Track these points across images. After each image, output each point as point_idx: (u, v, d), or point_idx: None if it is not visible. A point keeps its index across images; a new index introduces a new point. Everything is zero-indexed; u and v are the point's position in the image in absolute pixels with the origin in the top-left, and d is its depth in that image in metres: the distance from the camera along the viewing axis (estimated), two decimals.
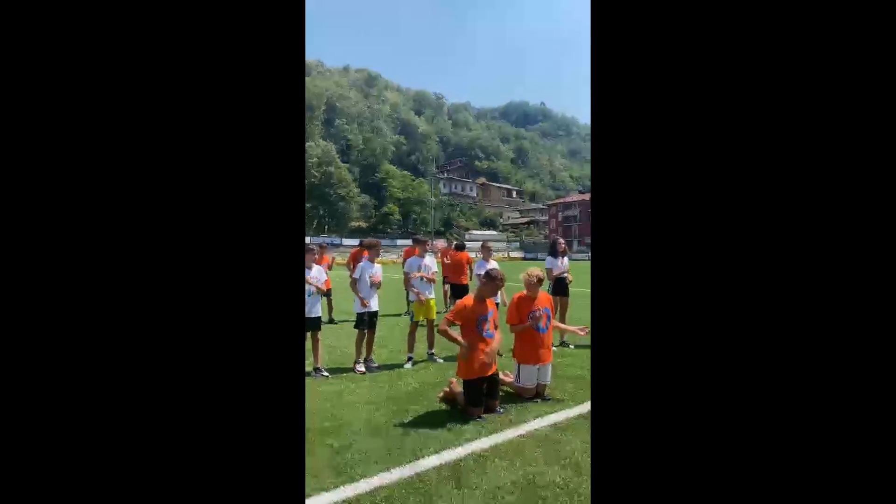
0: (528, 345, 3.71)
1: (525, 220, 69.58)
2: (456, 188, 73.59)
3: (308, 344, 4.37)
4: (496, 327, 3.59)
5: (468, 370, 3.37)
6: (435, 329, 4.71)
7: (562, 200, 66.74)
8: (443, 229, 56.25)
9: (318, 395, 3.87)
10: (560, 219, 61.67)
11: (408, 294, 6.53)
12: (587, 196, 63.83)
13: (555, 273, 5.65)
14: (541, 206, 74.04)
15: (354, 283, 4.72)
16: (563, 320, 5.61)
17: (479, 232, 58.19)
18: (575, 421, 3.20)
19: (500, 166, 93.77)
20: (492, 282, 3.58)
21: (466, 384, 3.38)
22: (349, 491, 2.31)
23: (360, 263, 4.85)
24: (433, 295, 5.07)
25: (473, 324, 3.47)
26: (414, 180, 63.53)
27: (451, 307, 4.89)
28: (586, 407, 3.43)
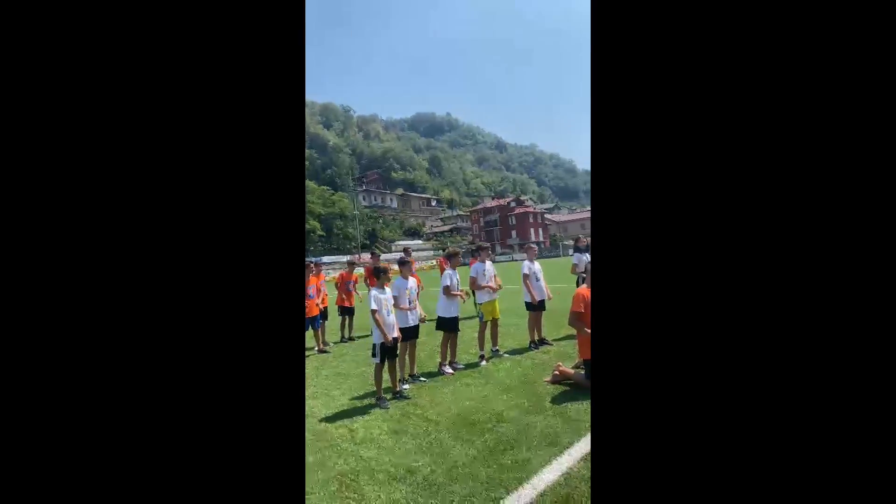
0: None
1: (448, 227, 71.19)
2: (375, 200, 73.09)
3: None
4: None
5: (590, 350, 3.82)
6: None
7: (481, 206, 69.63)
8: (367, 242, 55.54)
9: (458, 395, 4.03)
10: (482, 224, 64.28)
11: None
12: (503, 201, 67.23)
13: (580, 268, 6.31)
14: (461, 213, 76.39)
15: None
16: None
17: (403, 242, 58.31)
18: None
19: (417, 176, 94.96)
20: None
21: (588, 362, 3.83)
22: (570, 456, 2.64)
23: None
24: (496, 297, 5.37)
25: (589, 309, 3.94)
26: (333, 194, 62.00)
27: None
28: None
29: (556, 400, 3.68)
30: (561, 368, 4.14)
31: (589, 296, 4.00)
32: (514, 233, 62.17)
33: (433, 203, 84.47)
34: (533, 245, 5.97)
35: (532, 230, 61.30)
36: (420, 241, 62.19)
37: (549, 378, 4.18)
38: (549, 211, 78.09)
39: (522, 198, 72.35)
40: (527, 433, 3.07)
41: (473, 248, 5.06)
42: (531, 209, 65.05)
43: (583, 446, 2.78)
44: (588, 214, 76.21)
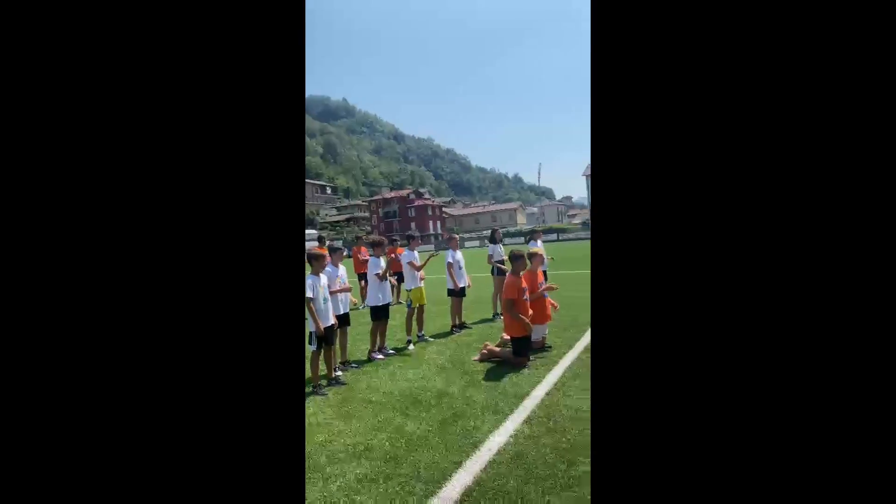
0: (540, 309, 4.77)
1: (344, 217, 69.07)
2: None
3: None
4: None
5: (519, 329, 4.25)
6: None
7: (380, 197, 68.85)
8: None
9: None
10: (381, 215, 63.67)
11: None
12: (403, 193, 67.38)
13: (496, 258, 6.82)
14: (359, 202, 74.64)
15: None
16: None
17: None
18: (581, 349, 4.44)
19: (311, 161, 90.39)
20: (521, 260, 4.52)
21: (515, 340, 4.26)
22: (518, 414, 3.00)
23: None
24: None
25: (521, 295, 4.36)
26: None
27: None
28: (576, 343, 4.72)
29: (488, 376, 4.04)
30: (489, 347, 4.52)
31: (521, 284, 4.44)
32: (413, 225, 62.79)
33: (328, 191, 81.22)
34: (455, 236, 6.32)
35: (430, 223, 62.58)
36: (313, 231, 59.49)
37: (477, 357, 4.53)
38: (447, 205, 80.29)
39: (421, 190, 73.32)
40: (470, 405, 3.36)
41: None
42: (430, 202, 66.28)
43: (522, 413, 3.15)
44: (482, 209, 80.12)
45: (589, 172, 59.89)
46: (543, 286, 4.80)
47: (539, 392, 3.53)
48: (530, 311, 4.48)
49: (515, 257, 4.55)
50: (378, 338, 5.00)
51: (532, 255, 4.86)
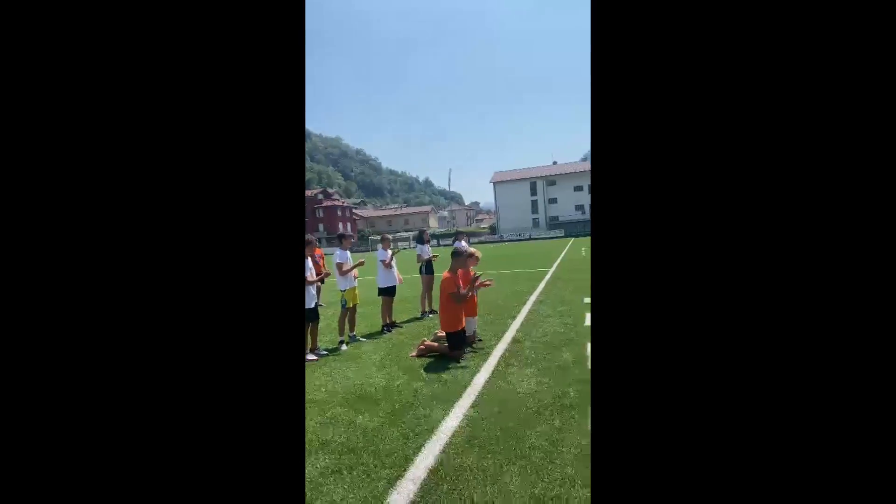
0: (471, 305, 5.05)
1: None
2: None
3: None
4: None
5: (455, 324, 4.46)
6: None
7: None
8: None
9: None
10: None
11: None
12: (310, 193, 64.52)
13: (424, 257, 7.01)
14: None
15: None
16: (429, 293, 7.06)
17: None
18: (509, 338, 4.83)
19: None
20: (461, 257, 4.76)
21: (451, 335, 4.47)
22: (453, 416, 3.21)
23: None
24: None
25: (456, 290, 4.58)
26: None
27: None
28: (503, 334, 5.11)
29: (428, 369, 4.20)
30: (426, 343, 4.69)
31: (458, 280, 4.67)
32: (321, 225, 60.43)
33: None
34: (388, 236, 6.41)
35: (340, 224, 60.81)
36: None
37: (414, 353, 4.67)
38: (357, 206, 78.68)
39: (330, 191, 70.91)
40: (417, 396, 3.49)
41: (340, 233, 5.38)
42: (339, 202, 64.42)
43: (467, 399, 3.37)
44: (394, 212, 79.88)
45: (496, 180, 63.06)
46: (478, 281, 5.10)
47: (479, 380, 3.78)
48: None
49: (457, 254, 4.79)
50: (309, 338, 4.90)
51: (470, 255, 5.15)
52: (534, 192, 61.08)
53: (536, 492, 2.14)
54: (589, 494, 2.06)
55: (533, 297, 8.05)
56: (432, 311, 6.92)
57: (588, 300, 7.30)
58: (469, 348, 4.73)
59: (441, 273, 5.01)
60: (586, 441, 2.55)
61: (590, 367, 3.90)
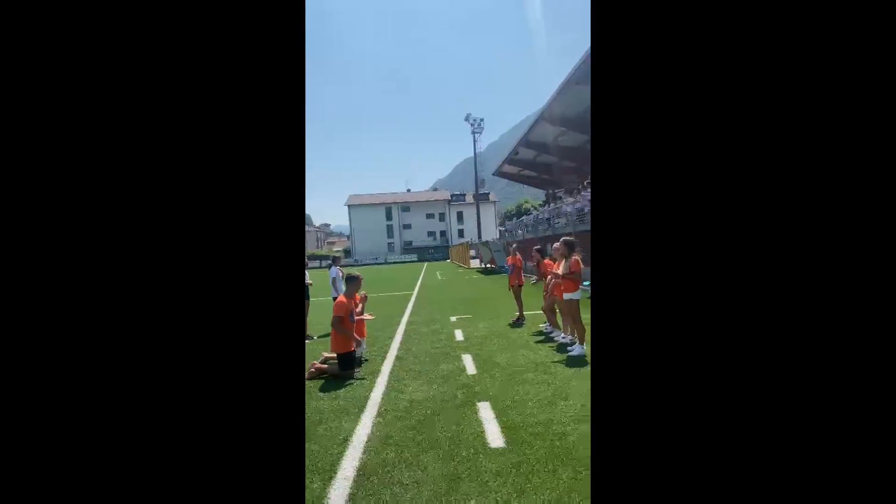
0: (359, 328, 5.36)
1: None
2: None
3: None
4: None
5: (347, 345, 4.74)
6: None
7: None
8: None
9: None
10: None
11: None
12: None
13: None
14: None
15: None
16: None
17: None
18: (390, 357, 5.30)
19: None
20: (356, 282, 5.06)
21: (342, 355, 4.74)
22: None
23: None
24: None
25: (349, 314, 4.85)
26: None
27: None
28: (386, 353, 5.57)
29: (324, 389, 4.39)
30: (316, 365, 4.84)
31: (352, 305, 4.97)
32: None
33: None
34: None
35: None
36: None
37: (306, 375, 4.77)
38: None
39: None
40: (321, 413, 3.70)
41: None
42: None
43: (370, 410, 3.73)
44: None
45: (351, 203, 62.78)
46: (361, 311, 5.45)
47: (377, 393, 4.16)
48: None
49: (351, 279, 5.09)
50: None
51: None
52: (389, 216, 62.68)
53: (450, 469, 2.67)
54: (492, 465, 2.68)
55: (405, 318, 8.65)
56: (309, 337, 6.94)
57: (455, 318, 8.22)
58: (358, 367, 5.05)
59: (315, 298, 5.22)
60: (482, 428, 3.20)
61: (470, 374, 4.64)
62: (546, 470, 2.56)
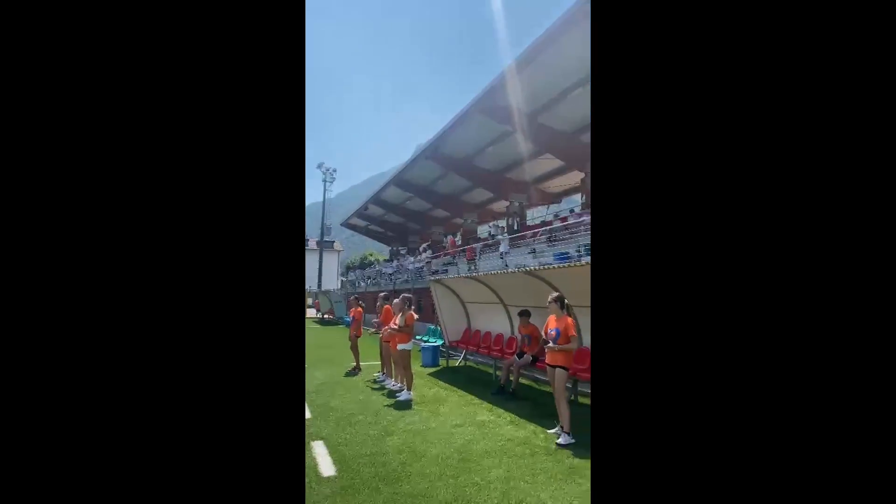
0: None
1: None
2: None
3: None
4: None
5: None
6: None
7: None
8: None
9: None
10: None
11: None
12: None
13: None
14: None
15: None
16: None
17: None
18: None
19: None
20: None
21: None
22: None
23: None
24: None
25: None
26: None
27: None
28: None
29: None
30: None
31: None
32: None
33: None
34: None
35: None
36: None
37: None
38: None
39: None
40: None
41: None
42: None
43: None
44: None
45: None
46: None
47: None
48: None
49: None
50: None
51: None
52: None
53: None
54: (325, 489, 3.03)
55: None
56: None
57: None
58: None
59: None
60: (316, 462, 3.52)
61: (306, 417, 4.82)
62: (370, 488, 3.04)
